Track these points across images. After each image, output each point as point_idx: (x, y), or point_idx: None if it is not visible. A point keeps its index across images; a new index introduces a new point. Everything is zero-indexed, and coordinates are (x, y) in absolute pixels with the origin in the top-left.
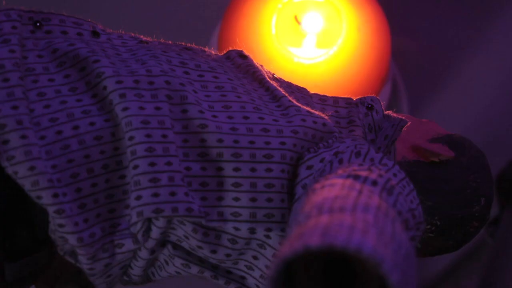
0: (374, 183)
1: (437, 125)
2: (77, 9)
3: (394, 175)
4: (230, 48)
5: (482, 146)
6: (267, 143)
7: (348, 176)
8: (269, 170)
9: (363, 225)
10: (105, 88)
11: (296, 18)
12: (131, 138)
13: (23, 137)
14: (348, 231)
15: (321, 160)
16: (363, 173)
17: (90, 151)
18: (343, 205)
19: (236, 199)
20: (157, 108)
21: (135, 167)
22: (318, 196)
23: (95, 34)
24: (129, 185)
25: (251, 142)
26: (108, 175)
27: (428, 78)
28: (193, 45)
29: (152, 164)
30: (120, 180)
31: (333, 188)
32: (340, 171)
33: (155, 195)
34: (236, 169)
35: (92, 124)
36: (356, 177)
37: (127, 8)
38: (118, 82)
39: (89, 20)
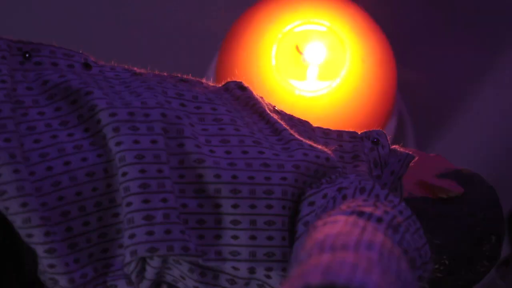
0: (379, 220)
1: (445, 159)
2: (69, 39)
3: (400, 212)
4: (229, 80)
5: (492, 182)
6: (267, 178)
7: (352, 213)
8: (269, 206)
9: (366, 263)
10: (99, 122)
11: (297, 47)
12: (124, 174)
13: (16, 171)
14: (350, 269)
15: (324, 196)
16: (368, 209)
17: (82, 188)
18: (346, 242)
19: (235, 237)
20: (153, 142)
21: (128, 204)
22: (319, 233)
23: (87, 66)
24: (122, 223)
25: (251, 178)
26: (100, 213)
27: (435, 112)
28: (190, 77)
29: (146, 201)
30: (113, 219)
31: (335, 225)
32: (343, 207)
33: (150, 233)
34: (235, 206)
35: (84, 159)
36: (360, 214)
37: (123, 38)
38: (112, 114)
39: (81, 51)
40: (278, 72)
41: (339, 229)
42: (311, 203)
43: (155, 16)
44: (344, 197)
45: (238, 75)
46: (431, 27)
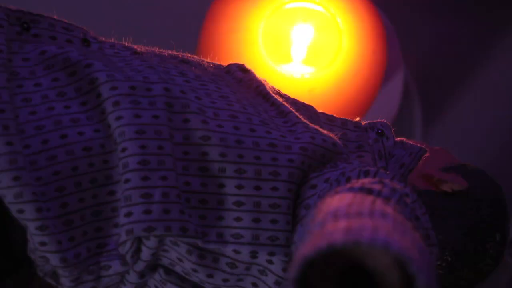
0: (387, 198)
1: (450, 153)
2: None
3: (406, 194)
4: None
5: (499, 165)
6: (274, 159)
7: (360, 189)
8: (275, 189)
9: (385, 228)
10: (99, 95)
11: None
12: (123, 149)
13: (9, 143)
14: (372, 230)
15: (326, 180)
16: (376, 187)
17: (78, 163)
18: (360, 210)
19: (238, 219)
20: (155, 117)
21: (126, 181)
22: (329, 205)
23: (86, 42)
24: (119, 201)
25: (257, 158)
26: (96, 190)
27: (443, 83)
28: (190, 57)
29: (145, 178)
30: (109, 196)
31: (345, 198)
32: (349, 185)
33: (147, 212)
34: (239, 187)
35: (81, 134)
36: (369, 191)
37: (100, 18)
38: (113, 88)
39: (81, 26)
40: (266, 54)
41: (349, 201)
42: (313, 186)
43: None
44: (348, 180)
45: (222, 59)
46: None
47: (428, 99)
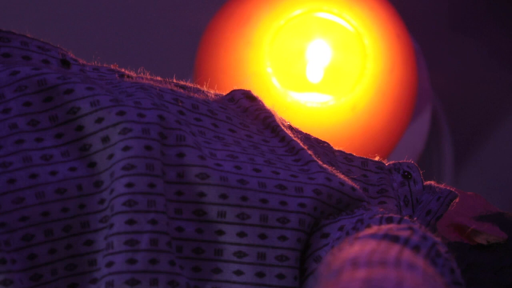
0: (417, 248)
1: (486, 200)
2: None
3: (439, 244)
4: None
5: None
6: (283, 203)
7: (384, 237)
8: (283, 238)
9: (412, 282)
10: (80, 128)
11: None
12: (112, 190)
13: None
14: (396, 283)
15: (340, 228)
16: (403, 234)
17: (49, 208)
18: (384, 259)
19: (238, 272)
20: (147, 148)
21: (111, 226)
22: (348, 252)
23: (65, 63)
24: (98, 253)
25: (263, 201)
26: (70, 239)
27: (476, 114)
28: (188, 83)
29: (130, 222)
30: (85, 247)
31: (366, 244)
32: (371, 231)
33: (131, 261)
34: (241, 235)
35: (53, 173)
36: (395, 239)
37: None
38: (98, 120)
39: (58, 46)
40: (274, 78)
41: (372, 248)
42: (325, 235)
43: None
44: (368, 227)
45: (221, 83)
46: (461, 21)
47: (459, 134)
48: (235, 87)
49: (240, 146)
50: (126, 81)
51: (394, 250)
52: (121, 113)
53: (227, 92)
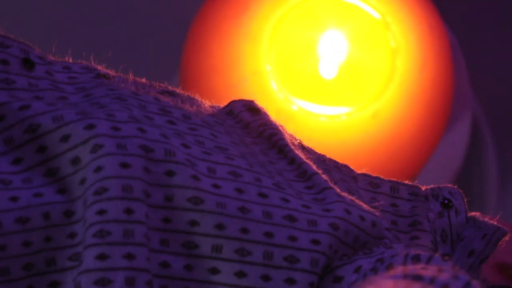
0: (445, 286)
1: None
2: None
3: (472, 285)
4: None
5: None
6: (293, 238)
7: (405, 277)
8: (290, 281)
9: None
10: (43, 149)
11: None
12: (85, 220)
13: None
14: None
15: (356, 270)
16: (428, 273)
17: (7, 241)
18: None
19: None
20: (123, 165)
21: (81, 263)
22: None
23: (28, 63)
24: None
25: (268, 235)
26: (31, 280)
27: None
28: (178, 90)
29: (102, 257)
30: None
31: (381, 285)
32: (391, 272)
33: None
34: (240, 275)
35: (14, 199)
36: (417, 278)
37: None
38: (64, 138)
39: (21, 40)
40: (275, 80)
41: None
42: (338, 279)
43: None
44: (389, 267)
45: (210, 85)
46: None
47: (505, 146)
48: (229, 90)
49: (246, 159)
50: (101, 87)
51: None
52: (90, 127)
53: (218, 98)
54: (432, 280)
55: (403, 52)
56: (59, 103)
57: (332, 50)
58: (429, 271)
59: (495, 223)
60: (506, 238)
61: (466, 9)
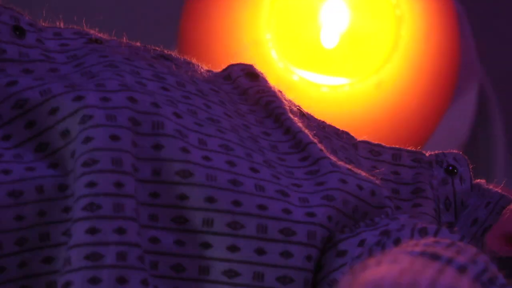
0: (463, 269)
1: None
2: None
3: (493, 272)
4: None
5: None
6: (287, 211)
7: (423, 254)
8: (286, 254)
9: None
10: (31, 124)
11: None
12: (72, 194)
13: None
14: None
15: (361, 243)
16: (446, 253)
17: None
18: (415, 281)
19: None
20: (113, 138)
21: (70, 236)
22: (372, 273)
23: (18, 30)
24: (59, 274)
25: (262, 207)
26: (24, 255)
27: None
28: (174, 54)
29: (92, 231)
30: (43, 266)
31: (396, 264)
32: (406, 247)
33: (94, 280)
34: (233, 249)
35: (6, 172)
36: (435, 257)
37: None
38: (52, 111)
39: (11, 7)
40: (276, 51)
41: (403, 267)
42: (342, 253)
43: None
44: (397, 242)
45: (209, 52)
46: None
47: None
48: (227, 58)
49: (237, 134)
50: (92, 54)
51: (431, 269)
52: (78, 98)
53: (216, 67)
54: (449, 261)
55: (408, 20)
56: (47, 77)
57: (334, 18)
58: (448, 251)
59: (499, 190)
60: (511, 206)
61: None
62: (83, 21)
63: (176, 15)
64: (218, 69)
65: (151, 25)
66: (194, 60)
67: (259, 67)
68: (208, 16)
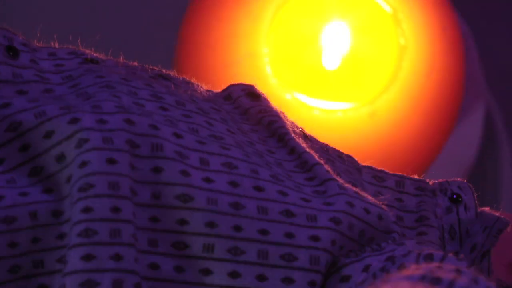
0: None
1: None
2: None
3: None
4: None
5: None
6: (289, 235)
7: (422, 278)
8: (288, 281)
9: None
10: (26, 148)
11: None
12: (68, 219)
13: None
14: None
15: (365, 269)
16: (447, 276)
17: None
18: None
19: None
20: (110, 161)
21: (65, 263)
22: None
23: (12, 50)
24: None
25: (263, 232)
26: (18, 284)
27: None
28: (172, 73)
29: (88, 258)
30: None
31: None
32: (406, 272)
33: None
34: (234, 275)
35: None
36: (436, 281)
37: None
38: (47, 135)
39: (4, 27)
40: (275, 77)
41: None
42: (345, 279)
43: None
44: (402, 267)
45: (205, 62)
46: None
47: None
48: (223, 69)
49: (242, 149)
50: (88, 75)
51: None
52: (74, 121)
53: (213, 76)
54: (450, 284)
55: (412, 51)
56: (42, 98)
57: (336, 40)
58: (448, 273)
59: (497, 213)
60: (508, 228)
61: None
62: (78, 40)
63: (176, 26)
64: (213, 79)
65: (150, 32)
66: (193, 80)
67: (252, 80)
68: (209, 25)
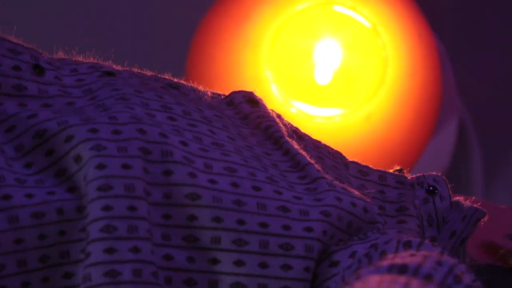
0: (429, 276)
1: None
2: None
3: (462, 272)
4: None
5: None
6: (286, 227)
7: (390, 269)
8: (287, 267)
9: None
10: (51, 152)
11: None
12: (87, 215)
13: None
14: None
15: (352, 255)
16: (413, 262)
17: (24, 234)
18: None
19: None
20: (125, 167)
21: (87, 255)
22: None
23: (38, 68)
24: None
25: (263, 225)
26: (46, 272)
27: (509, 132)
28: (181, 82)
29: (109, 251)
30: (64, 281)
31: (367, 283)
32: (379, 263)
33: None
34: (239, 263)
35: (29, 196)
36: (402, 269)
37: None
38: (68, 139)
39: (32, 47)
40: (275, 85)
41: (371, 287)
42: (335, 264)
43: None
44: (383, 254)
45: (214, 89)
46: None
47: (489, 147)
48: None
49: (241, 155)
50: (105, 88)
51: (398, 285)
52: (93, 131)
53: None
54: (416, 271)
55: (393, 60)
56: (65, 110)
57: (327, 57)
58: (416, 258)
59: (477, 205)
60: (485, 219)
61: (454, 19)
62: (97, 53)
63: (183, 57)
64: None
65: (158, 63)
66: (200, 87)
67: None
68: (213, 56)
